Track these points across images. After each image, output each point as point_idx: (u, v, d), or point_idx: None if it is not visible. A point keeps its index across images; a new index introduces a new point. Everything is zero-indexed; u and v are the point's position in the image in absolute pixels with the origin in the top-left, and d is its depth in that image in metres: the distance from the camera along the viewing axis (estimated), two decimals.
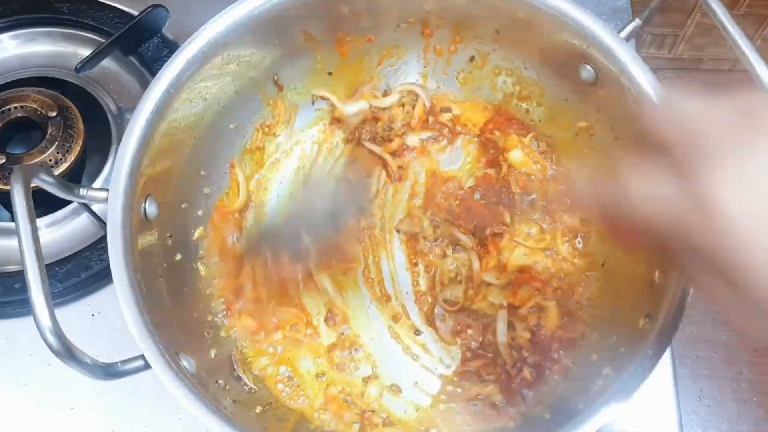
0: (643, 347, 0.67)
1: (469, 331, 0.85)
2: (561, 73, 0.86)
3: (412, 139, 0.95)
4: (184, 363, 0.69)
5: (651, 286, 0.74)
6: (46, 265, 0.73)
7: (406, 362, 0.86)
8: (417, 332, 0.87)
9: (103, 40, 1.03)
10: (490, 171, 0.93)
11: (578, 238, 0.88)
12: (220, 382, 0.77)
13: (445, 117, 0.95)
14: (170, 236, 0.81)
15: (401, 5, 0.88)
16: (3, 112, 0.96)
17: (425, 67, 0.96)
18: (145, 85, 1.01)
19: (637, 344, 0.69)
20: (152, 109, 0.74)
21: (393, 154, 0.94)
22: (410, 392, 0.84)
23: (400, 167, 0.94)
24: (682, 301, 0.67)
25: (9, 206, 0.88)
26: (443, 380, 0.84)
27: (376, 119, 0.95)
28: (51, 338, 0.58)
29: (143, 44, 1.04)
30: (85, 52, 1.05)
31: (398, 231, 0.92)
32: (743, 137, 0.44)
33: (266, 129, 0.94)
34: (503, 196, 0.90)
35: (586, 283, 0.85)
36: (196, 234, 0.87)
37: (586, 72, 0.81)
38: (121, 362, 0.64)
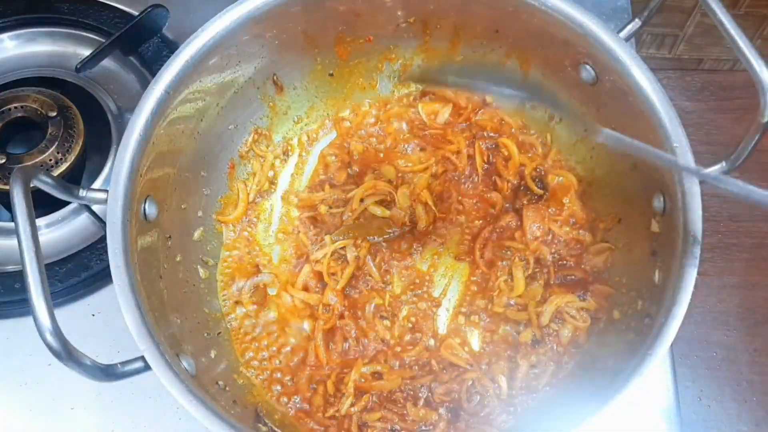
0: (643, 347, 0.67)
1: None
2: (562, 74, 0.86)
3: None
4: (185, 364, 0.69)
5: (651, 286, 0.74)
6: (46, 265, 0.73)
7: None
8: None
9: (104, 40, 1.03)
10: None
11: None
12: (221, 383, 0.77)
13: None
14: (170, 237, 0.81)
15: (400, 4, 0.88)
16: (3, 112, 0.96)
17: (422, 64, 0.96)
18: (145, 85, 1.01)
19: (637, 343, 0.69)
20: (151, 110, 0.74)
21: None
22: None
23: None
24: (682, 302, 0.67)
25: (9, 206, 0.88)
26: None
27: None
28: (51, 340, 0.57)
29: (143, 44, 1.04)
30: (85, 52, 1.05)
31: None
32: None
33: (265, 132, 0.95)
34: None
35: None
36: (196, 235, 0.87)
37: (586, 72, 0.81)
38: (121, 363, 0.64)
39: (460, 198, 0.93)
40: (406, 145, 0.95)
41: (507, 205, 0.92)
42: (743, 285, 1.59)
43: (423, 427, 0.81)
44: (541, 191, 0.89)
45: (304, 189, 0.95)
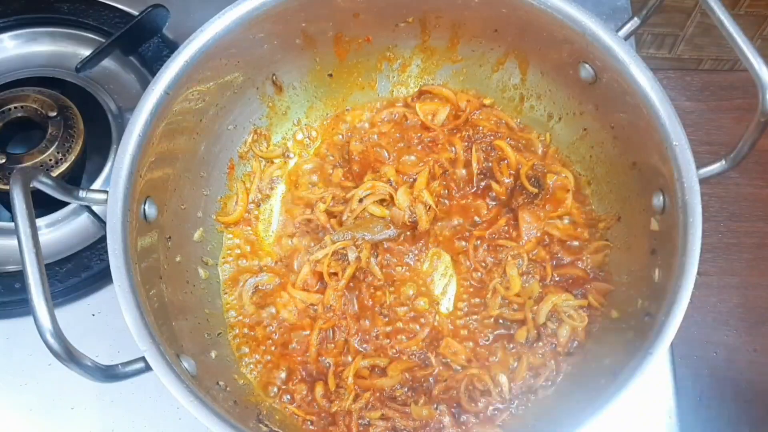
0: (643, 346, 0.67)
1: None
2: (561, 73, 0.86)
3: None
4: (185, 364, 0.69)
5: (651, 284, 0.74)
6: (46, 265, 0.73)
7: None
8: None
9: (104, 40, 1.03)
10: None
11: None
12: (221, 383, 0.77)
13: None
14: (170, 238, 0.81)
15: (399, 4, 0.88)
16: (3, 112, 0.96)
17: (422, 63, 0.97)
18: (145, 85, 1.01)
19: (637, 342, 0.69)
20: (150, 111, 0.74)
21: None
22: None
23: None
24: (682, 300, 0.67)
25: (9, 206, 0.88)
26: None
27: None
28: (51, 340, 0.58)
29: (143, 44, 1.04)
30: (86, 52, 1.05)
31: None
32: None
33: (264, 132, 0.95)
34: None
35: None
36: (196, 235, 0.87)
37: (585, 71, 0.82)
38: (122, 364, 0.64)
39: (457, 200, 0.93)
40: (405, 145, 0.95)
41: (494, 204, 0.92)
42: (743, 285, 1.59)
43: (424, 426, 0.81)
44: (535, 189, 0.89)
45: (303, 189, 0.95)
